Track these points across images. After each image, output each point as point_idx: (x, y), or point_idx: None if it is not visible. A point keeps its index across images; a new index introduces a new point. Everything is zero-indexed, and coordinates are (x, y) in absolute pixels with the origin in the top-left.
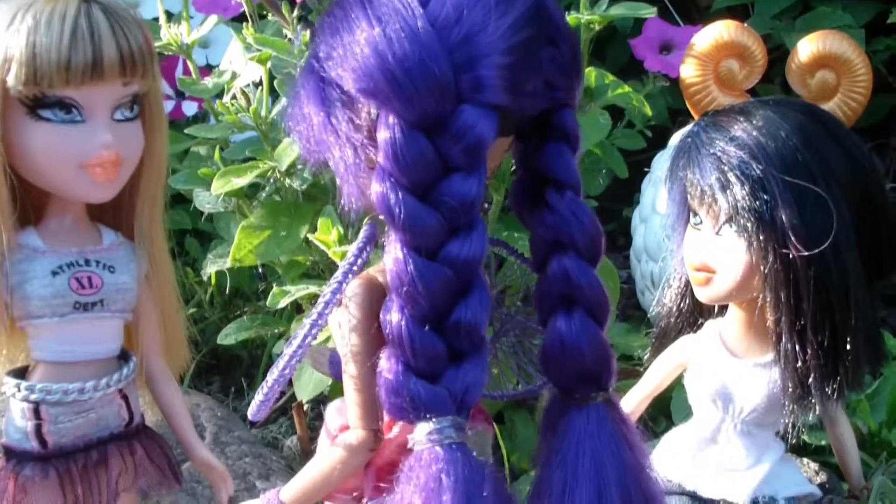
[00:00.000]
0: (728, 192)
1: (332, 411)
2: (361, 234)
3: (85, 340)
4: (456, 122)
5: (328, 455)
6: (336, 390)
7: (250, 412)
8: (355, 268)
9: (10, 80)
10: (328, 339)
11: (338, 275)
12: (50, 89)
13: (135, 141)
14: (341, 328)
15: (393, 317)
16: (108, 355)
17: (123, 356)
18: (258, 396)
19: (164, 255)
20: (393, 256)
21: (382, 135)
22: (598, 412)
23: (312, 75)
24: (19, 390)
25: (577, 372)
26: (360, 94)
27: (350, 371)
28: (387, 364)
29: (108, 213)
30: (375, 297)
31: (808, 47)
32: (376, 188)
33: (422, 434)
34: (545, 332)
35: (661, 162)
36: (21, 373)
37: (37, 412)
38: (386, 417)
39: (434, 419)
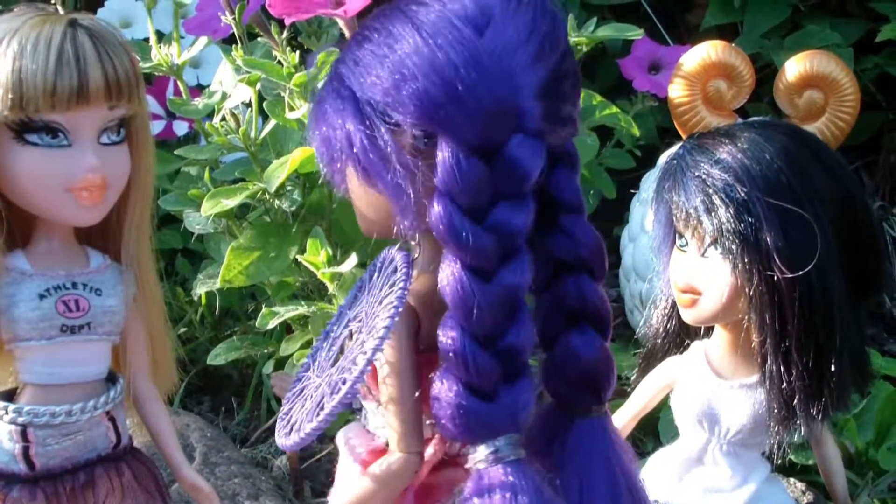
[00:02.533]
0: (713, 214)
1: (351, 437)
2: (400, 262)
3: (72, 363)
4: (510, 150)
5: (366, 482)
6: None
7: (285, 444)
8: (406, 295)
9: None
10: None
11: (390, 308)
12: (36, 114)
13: (121, 164)
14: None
15: (452, 335)
16: (96, 377)
17: (111, 378)
18: (296, 436)
19: (152, 276)
20: (452, 277)
21: (443, 158)
22: (602, 423)
23: (345, 93)
24: (7, 413)
25: (586, 385)
26: (418, 118)
27: (392, 396)
28: (443, 386)
29: (95, 235)
30: (412, 319)
31: (795, 67)
32: (437, 209)
33: (484, 453)
34: (556, 348)
35: (650, 181)
36: (9, 395)
37: (24, 435)
38: None
39: (496, 438)
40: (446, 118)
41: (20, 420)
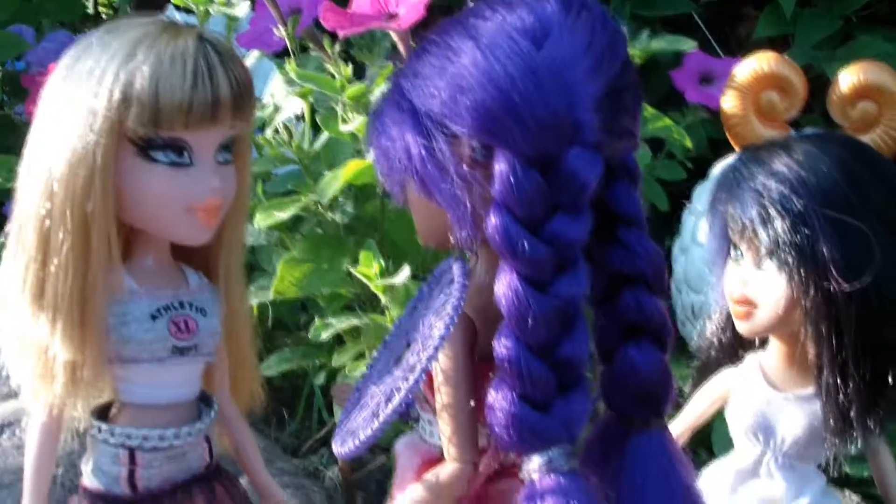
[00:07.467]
0: (769, 226)
1: (408, 447)
2: (457, 273)
3: (174, 384)
4: (567, 162)
5: (420, 491)
6: None
7: (340, 452)
8: (462, 305)
9: (130, 121)
10: None
11: (446, 317)
12: (169, 132)
13: (232, 183)
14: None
15: (507, 345)
16: (192, 397)
17: (202, 398)
18: (351, 443)
19: (243, 296)
20: (508, 287)
21: (500, 170)
22: (660, 437)
23: (404, 105)
24: (112, 435)
25: (644, 399)
26: (475, 130)
27: (446, 404)
28: (498, 395)
29: (190, 253)
30: (468, 329)
31: (848, 78)
32: (493, 220)
33: (537, 464)
34: (613, 361)
35: (702, 193)
36: (103, 414)
37: (132, 458)
38: None
39: (550, 449)
40: (503, 130)
41: (129, 443)
